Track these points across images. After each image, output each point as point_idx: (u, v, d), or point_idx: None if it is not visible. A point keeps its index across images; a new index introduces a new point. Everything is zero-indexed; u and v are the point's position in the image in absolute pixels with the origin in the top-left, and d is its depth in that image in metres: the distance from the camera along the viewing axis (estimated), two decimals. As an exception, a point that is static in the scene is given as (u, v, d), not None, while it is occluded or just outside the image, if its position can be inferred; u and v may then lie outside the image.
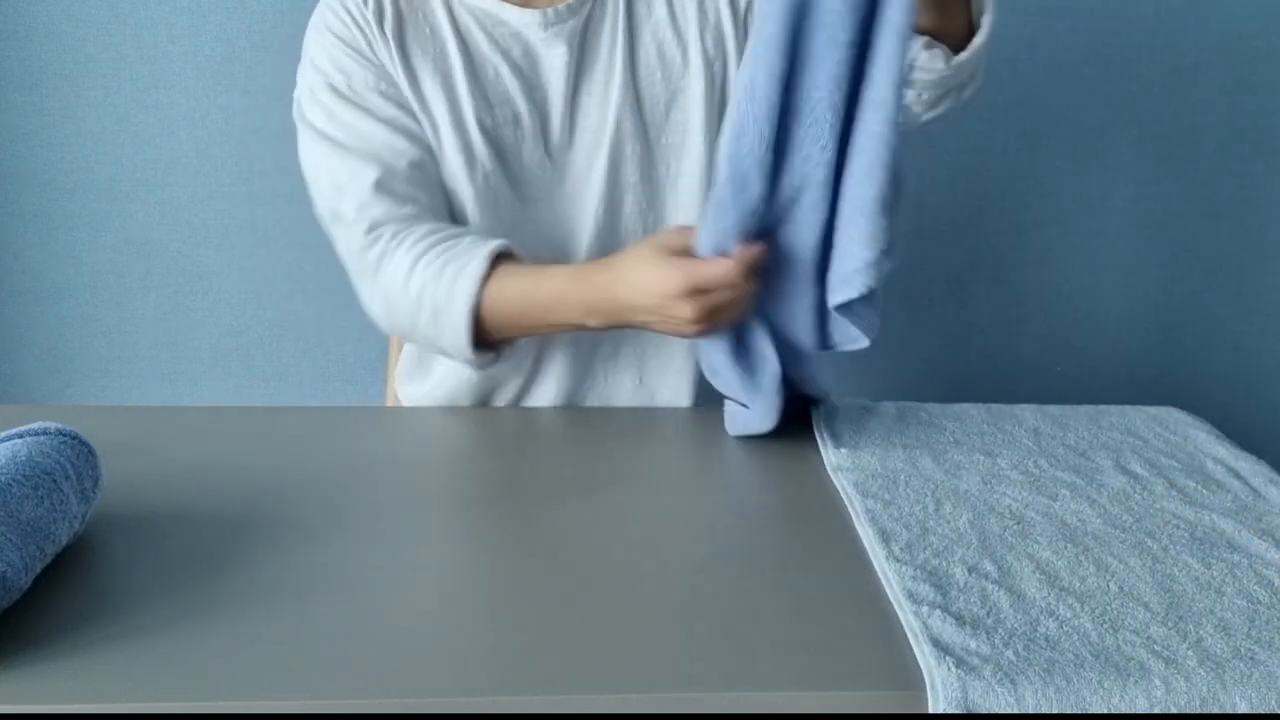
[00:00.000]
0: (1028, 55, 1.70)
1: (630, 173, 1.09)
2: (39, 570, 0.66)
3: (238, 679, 0.60)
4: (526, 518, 0.81)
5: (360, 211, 1.02)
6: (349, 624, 0.65)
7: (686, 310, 0.89)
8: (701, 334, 0.93)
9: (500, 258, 0.98)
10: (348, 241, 1.03)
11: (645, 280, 0.91)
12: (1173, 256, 1.81)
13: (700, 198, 1.11)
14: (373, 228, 1.01)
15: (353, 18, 1.05)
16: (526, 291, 0.97)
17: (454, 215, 1.07)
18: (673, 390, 1.13)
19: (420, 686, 0.60)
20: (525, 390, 1.13)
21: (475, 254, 0.97)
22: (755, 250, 0.90)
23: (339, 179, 1.03)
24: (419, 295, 0.98)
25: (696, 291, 0.88)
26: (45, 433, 0.73)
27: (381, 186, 1.01)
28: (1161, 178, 1.77)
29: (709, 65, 1.10)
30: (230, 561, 0.72)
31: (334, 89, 1.04)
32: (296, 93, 1.09)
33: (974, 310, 1.79)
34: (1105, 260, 1.80)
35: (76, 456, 0.72)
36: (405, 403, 1.21)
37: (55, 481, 0.69)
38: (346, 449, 0.95)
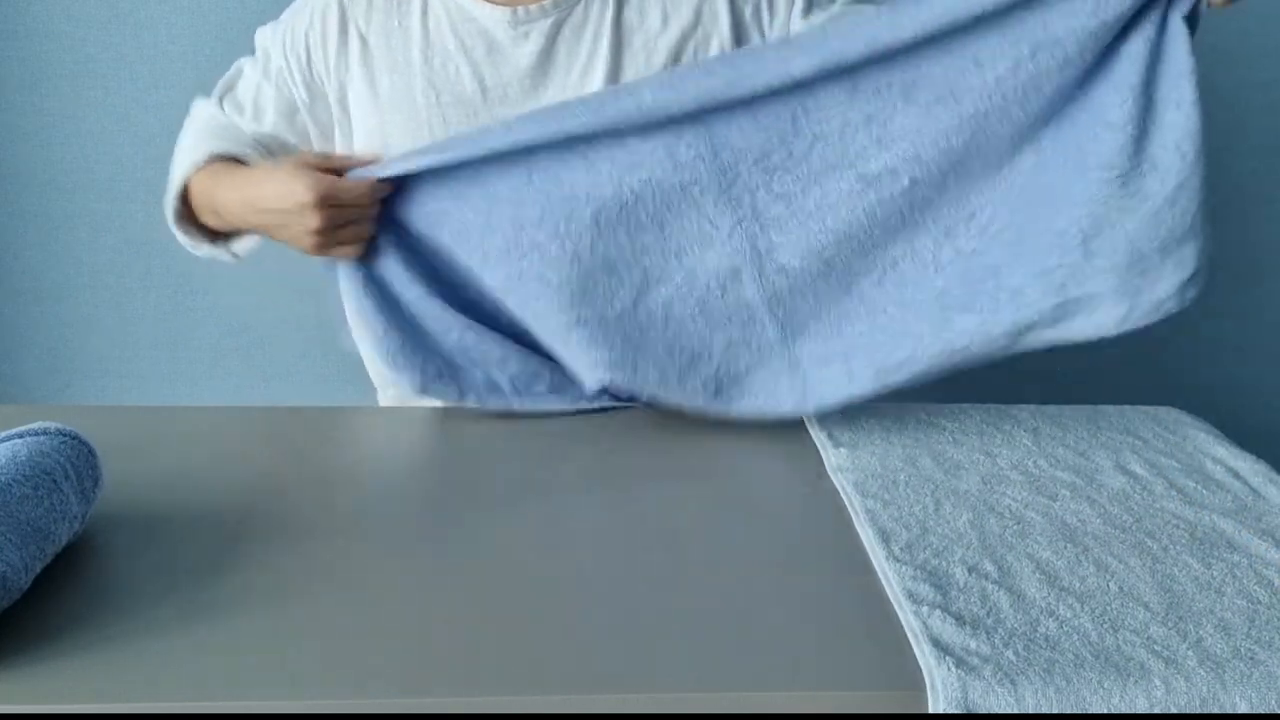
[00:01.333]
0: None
1: None
2: (39, 570, 0.66)
3: (238, 679, 0.60)
4: (527, 517, 0.81)
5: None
6: (348, 624, 0.65)
7: (314, 220, 0.93)
8: (318, 249, 0.97)
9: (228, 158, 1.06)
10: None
11: (281, 184, 0.96)
12: (1173, 256, 1.81)
13: None
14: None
15: (325, 24, 1.07)
16: (205, 189, 1.06)
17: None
18: None
19: (420, 686, 0.60)
20: None
21: (204, 148, 1.07)
22: (379, 184, 0.96)
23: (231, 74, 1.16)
24: (175, 159, 1.11)
25: (327, 203, 0.93)
26: (45, 433, 0.73)
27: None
28: (1161, 178, 1.77)
29: None
30: (230, 561, 0.72)
31: (265, 52, 1.12)
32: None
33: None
34: (1105, 260, 1.80)
35: (76, 456, 0.72)
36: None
37: (55, 481, 0.69)
38: (346, 449, 0.95)
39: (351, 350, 1.14)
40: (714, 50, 1.08)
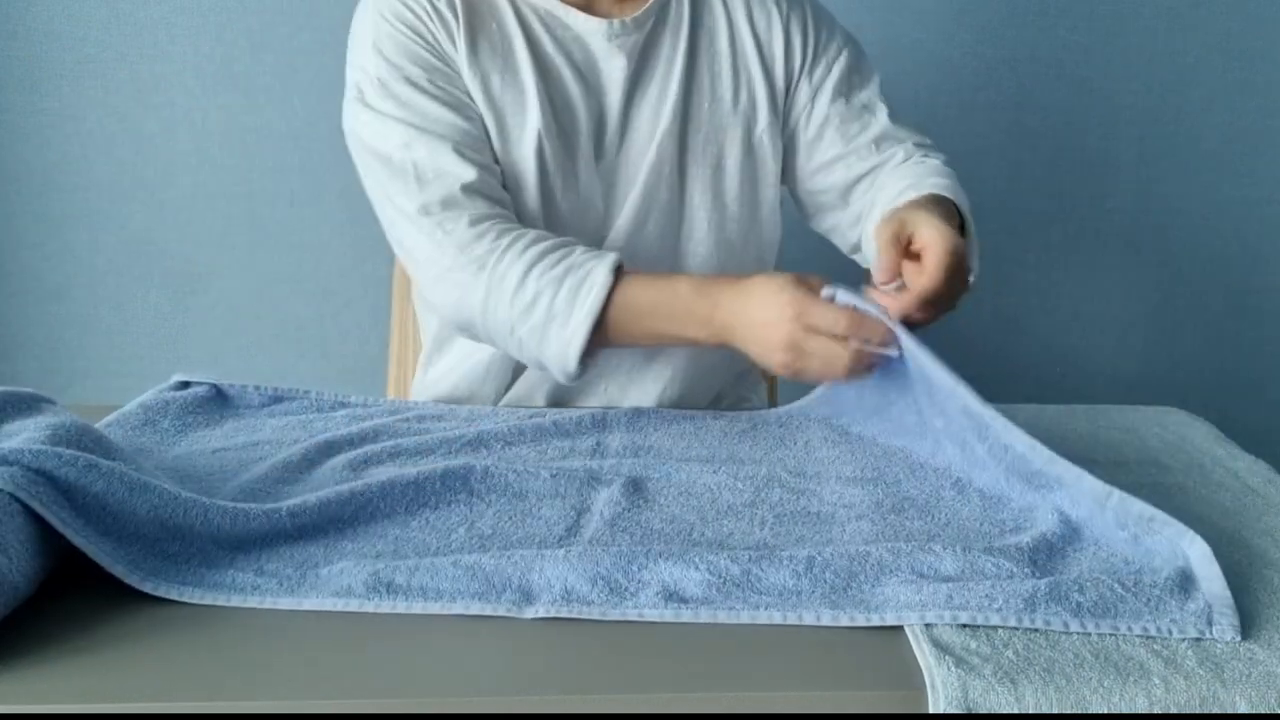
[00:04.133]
0: (1027, 55, 1.70)
1: (662, 192, 1.09)
2: (43, 575, 0.66)
3: (238, 679, 0.60)
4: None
5: (450, 205, 0.99)
6: (349, 624, 0.65)
7: (780, 334, 0.88)
8: (786, 370, 0.90)
9: (619, 269, 0.96)
10: (439, 233, 0.99)
11: (765, 300, 0.90)
12: (1172, 256, 1.81)
13: (718, 246, 1.12)
14: (476, 221, 0.98)
15: (425, 9, 1.03)
16: (655, 302, 0.95)
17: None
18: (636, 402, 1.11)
19: (420, 686, 0.60)
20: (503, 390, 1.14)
21: (598, 265, 0.95)
22: (879, 323, 0.86)
23: (417, 163, 1.00)
24: (533, 301, 0.95)
25: (799, 324, 0.87)
26: (45, 433, 0.72)
27: (470, 185, 0.99)
28: (1161, 178, 1.77)
29: (749, 115, 1.11)
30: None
31: (409, 80, 1.01)
32: (359, 84, 1.04)
33: (973, 310, 1.78)
34: (1104, 260, 1.80)
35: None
36: (413, 393, 1.21)
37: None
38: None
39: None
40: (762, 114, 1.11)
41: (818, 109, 1.13)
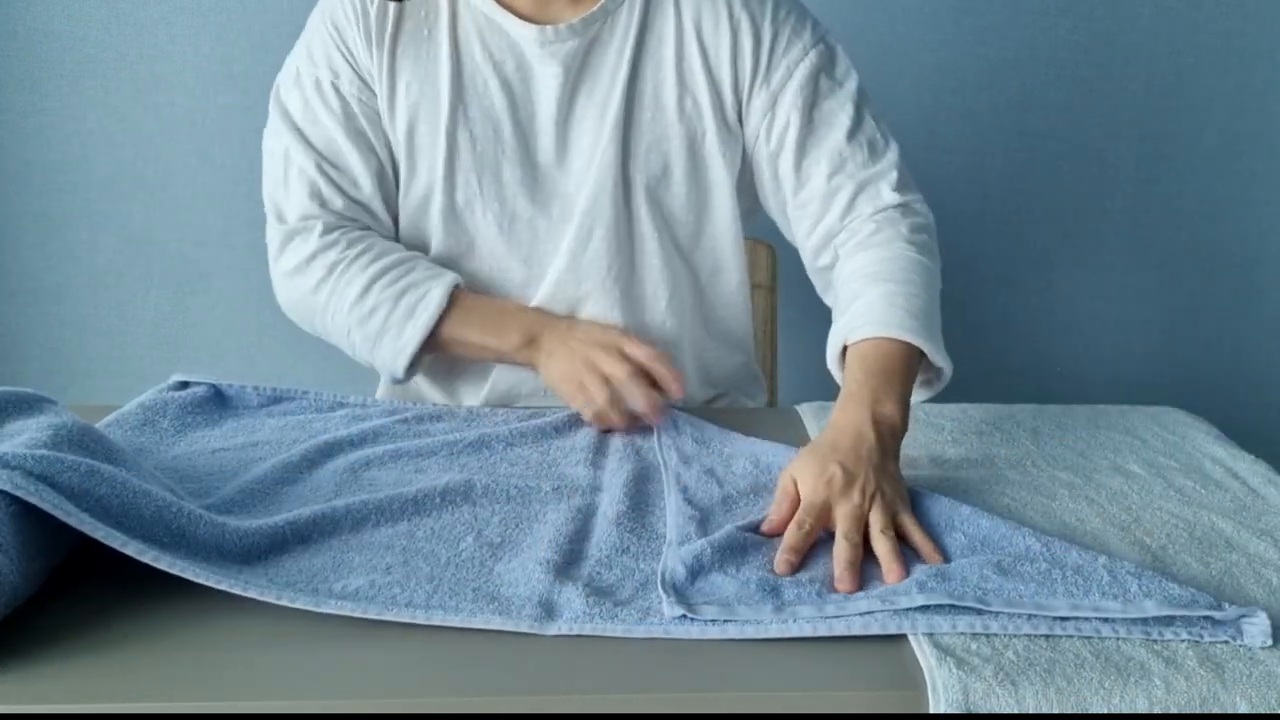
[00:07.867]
0: (1028, 55, 1.70)
1: (605, 206, 1.06)
2: (43, 576, 0.66)
3: (238, 679, 0.60)
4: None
5: (304, 219, 1.07)
6: (349, 624, 0.65)
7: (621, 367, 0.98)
8: (593, 397, 0.97)
9: (455, 291, 1.05)
10: (290, 241, 1.07)
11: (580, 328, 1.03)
12: (1172, 256, 1.82)
13: (668, 255, 1.09)
14: (328, 230, 1.06)
15: (355, 11, 1.05)
16: (483, 318, 1.06)
17: (420, 226, 1.10)
18: None
19: (420, 686, 0.60)
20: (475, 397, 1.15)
21: (435, 286, 1.04)
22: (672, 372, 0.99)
23: (289, 173, 1.07)
24: (370, 312, 1.04)
25: (625, 355, 0.99)
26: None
27: (321, 196, 1.07)
28: (1161, 178, 1.77)
29: (694, 124, 1.06)
30: (230, 561, 0.72)
31: (318, 84, 1.07)
32: (282, 74, 1.11)
33: (973, 310, 1.79)
34: (1104, 260, 1.80)
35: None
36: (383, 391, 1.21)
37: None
38: (346, 449, 0.94)
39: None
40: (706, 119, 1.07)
41: (779, 117, 1.06)
